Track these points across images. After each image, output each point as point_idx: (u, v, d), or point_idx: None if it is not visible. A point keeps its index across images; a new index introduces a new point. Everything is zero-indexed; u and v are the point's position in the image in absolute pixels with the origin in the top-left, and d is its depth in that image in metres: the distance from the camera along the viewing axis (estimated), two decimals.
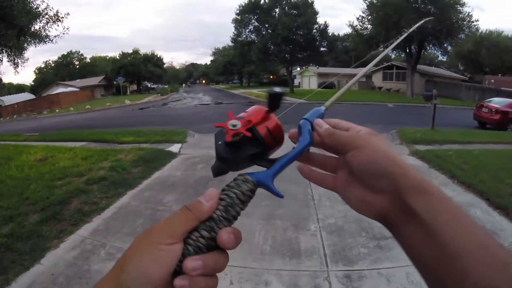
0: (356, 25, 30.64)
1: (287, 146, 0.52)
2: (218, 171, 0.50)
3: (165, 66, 67.40)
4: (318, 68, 42.41)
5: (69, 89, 44.61)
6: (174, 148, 8.25)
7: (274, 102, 0.50)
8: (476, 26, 27.65)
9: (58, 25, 13.07)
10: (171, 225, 0.40)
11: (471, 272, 0.33)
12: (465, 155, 7.17)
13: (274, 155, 0.52)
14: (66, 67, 62.55)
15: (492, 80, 35.77)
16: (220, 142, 0.49)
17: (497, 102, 15.05)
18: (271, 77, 65.26)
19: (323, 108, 0.54)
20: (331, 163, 0.51)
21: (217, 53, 79.36)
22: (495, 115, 14.12)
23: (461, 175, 5.74)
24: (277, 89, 0.50)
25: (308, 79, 51.77)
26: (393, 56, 42.50)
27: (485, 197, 4.81)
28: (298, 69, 49.17)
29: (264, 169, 0.49)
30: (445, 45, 29.31)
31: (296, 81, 52.74)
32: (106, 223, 4.20)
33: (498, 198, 4.66)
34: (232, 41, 36.39)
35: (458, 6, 25.75)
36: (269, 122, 0.50)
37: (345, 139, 0.46)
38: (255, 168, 0.49)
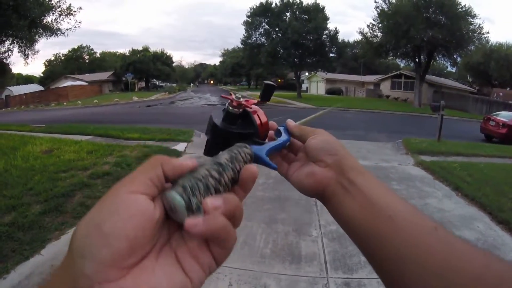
0: (366, 32, 30.60)
1: None
2: (209, 146, 0.55)
3: (174, 64, 67.66)
4: (326, 73, 42.38)
5: (78, 82, 44.90)
6: (180, 147, 8.25)
7: (266, 93, 0.60)
8: (486, 38, 27.52)
9: (70, 19, 13.19)
10: (145, 174, 0.33)
11: (405, 229, 0.40)
12: (470, 167, 7.13)
13: None
14: (75, 61, 62.93)
15: (501, 93, 35.49)
16: (217, 115, 0.55)
17: (504, 115, 14.95)
18: (279, 80, 65.30)
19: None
20: (288, 158, 0.59)
21: (226, 54, 79.64)
22: (502, 128, 14.02)
23: (465, 187, 5.71)
24: (271, 82, 0.59)
25: (316, 84, 51.83)
26: (402, 65, 42.36)
27: (488, 211, 4.78)
28: (307, 74, 49.20)
29: None
30: (454, 56, 29.17)
31: (304, 86, 52.74)
32: None
33: (501, 213, 4.63)
34: (241, 43, 36.47)
35: (469, 17, 25.64)
36: (262, 116, 0.56)
37: (310, 130, 0.57)
38: None
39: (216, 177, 0.36)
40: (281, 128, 0.60)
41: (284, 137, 0.58)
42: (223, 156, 0.41)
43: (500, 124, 14.14)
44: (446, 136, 10.72)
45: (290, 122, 0.60)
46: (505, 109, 21.12)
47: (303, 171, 0.53)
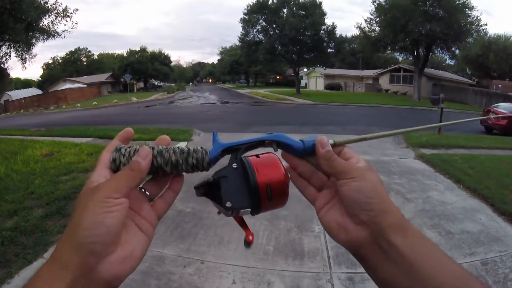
0: (364, 27, 30.53)
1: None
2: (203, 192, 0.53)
3: (172, 64, 67.59)
4: (325, 69, 42.35)
5: (76, 85, 44.89)
6: (180, 146, 8.26)
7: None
8: (484, 30, 27.44)
9: (66, 21, 13.16)
10: (117, 182, 0.44)
11: None
12: (471, 160, 7.12)
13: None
14: (73, 64, 62.90)
15: (500, 85, 35.42)
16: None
17: (504, 107, 14.96)
18: (278, 77, 65.28)
19: (331, 141, 0.52)
20: (317, 179, 0.54)
21: (224, 52, 79.55)
22: (502, 120, 14.01)
23: (466, 180, 5.70)
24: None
25: (314, 80, 51.76)
26: (400, 58, 42.30)
27: (490, 203, 4.78)
28: (305, 70, 49.15)
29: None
30: (453, 48, 29.10)
31: (303, 82, 52.71)
32: None
33: (503, 205, 4.62)
34: (239, 41, 36.44)
35: (467, 9, 25.55)
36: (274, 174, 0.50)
37: (342, 167, 0.47)
38: None
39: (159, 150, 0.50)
40: (308, 141, 0.51)
41: (298, 143, 0.51)
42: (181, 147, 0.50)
43: (500, 116, 14.12)
44: (446, 129, 10.72)
45: (320, 147, 0.50)
46: (504, 100, 21.09)
47: (333, 218, 0.48)
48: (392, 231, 0.42)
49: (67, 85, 44.46)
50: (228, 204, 0.47)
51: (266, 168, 0.49)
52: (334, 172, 0.48)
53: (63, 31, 13.34)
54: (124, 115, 19.30)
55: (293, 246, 3.48)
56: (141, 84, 61.02)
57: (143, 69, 53.86)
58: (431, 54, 31.00)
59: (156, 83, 63.80)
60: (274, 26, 32.93)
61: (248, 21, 34.02)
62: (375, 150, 8.15)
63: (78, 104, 32.21)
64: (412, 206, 4.63)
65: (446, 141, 9.01)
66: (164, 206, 0.50)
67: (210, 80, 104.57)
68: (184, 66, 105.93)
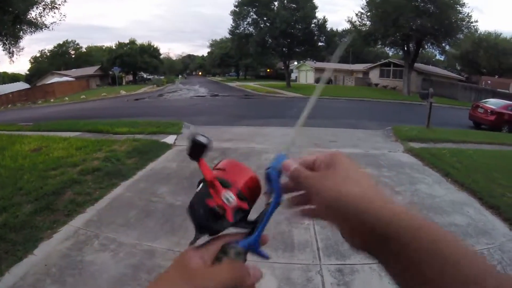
0: (355, 21, 30.54)
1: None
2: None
3: (161, 57, 66.97)
4: (315, 63, 42.37)
5: (64, 78, 44.22)
6: (169, 139, 8.23)
7: (196, 151, 0.47)
8: (475, 27, 27.66)
9: (54, 12, 12.94)
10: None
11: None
12: (459, 154, 7.23)
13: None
14: (61, 57, 61.88)
15: (489, 81, 35.94)
16: (201, 211, 0.46)
17: (493, 103, 15.15)
18: (268, 70, 65.04)
19: (284, 153, 0.50)
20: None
21: (214, 45, 78.86)
22: (490, 116, 14.21)
23: (454, 173, 5.79)
24: (202, 139, 0.47)
25: (305, 73, 51.77)
26: (390, 53, 42.54)
27: (478, 196, 4.86)
28: (296, 63, 49.13)
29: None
30: (443, 44, 29.31)
31: (293, 76, 52.70)
32: (99, 214, 4.19)
33: (491, 198, 4.71)
34: (229, 33, 36.19)
35: (458, 6, 25.69)
36: (249, 179, 0.50)
37: (305, 184, 0.46)
38: None
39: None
40: (271, 175, 0.48)
41: (276, 198, 0.48)
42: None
43: (489, 111, 14.33)
44: (435, 123, 10.84)
45: (286, 171, 0.47)
46: (493, 96, 21.36)
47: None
48: (382, 228, 0.39)
49: (55, 79, 43.77)
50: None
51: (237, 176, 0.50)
52: (304, 190, 0.47)
53: (51, 23, 13.17)
54: (113, 109, 19.09)
55: (283, 239, 3.50)
56: (130, 77, 60.43)
57: (132, 62, 53.22)
58: (421, 49, 31.19)
59: (145, 76, 63.21)
60: (265, 19, 32.79)
61: (238, 14, 33.79)
62: (364, 143, 8.22)
63: (66, 98, 31.78)
64: (401, 199, 4.69)
65: (434, 135, 9.12)
66: None
67: (200, 73, 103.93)
68: (174, 58, 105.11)
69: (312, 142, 7.98)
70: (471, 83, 36.58)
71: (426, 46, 31.05)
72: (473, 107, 15.67)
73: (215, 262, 0.43)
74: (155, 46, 60.86)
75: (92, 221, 4.00)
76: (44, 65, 58.86)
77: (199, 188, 0.48)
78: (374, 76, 41.22)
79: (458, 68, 53.61)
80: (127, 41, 57.51)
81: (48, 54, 62.51)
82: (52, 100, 32.60)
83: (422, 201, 4.69)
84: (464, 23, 26.39)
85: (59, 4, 13.02)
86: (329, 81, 44.90)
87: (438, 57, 53.93)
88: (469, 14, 26.06)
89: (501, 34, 44.47)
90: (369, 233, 0.39)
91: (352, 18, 30.75)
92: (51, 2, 12.75)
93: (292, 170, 0.47)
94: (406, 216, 0.38)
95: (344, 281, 2.89)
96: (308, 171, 0.46)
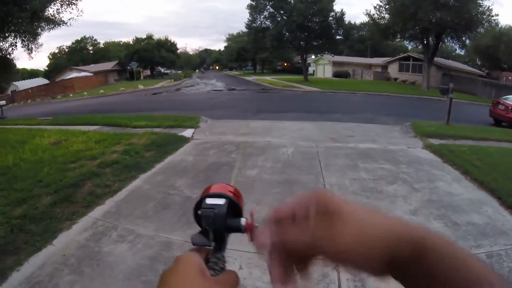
0: (373, 14, 30.04)
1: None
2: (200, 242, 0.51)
3: (178, 51, 67.29)
4: (333, 56, 41.89)
5: (83, 74, 44.90)
6: (187, 133, 8.30)
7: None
8: (495, 21, 26.92)
9: (72, 8, 13.08)
10: None
11: None
12: (479, 151, 7.06)
13: None
14: (79, 52, 62.66)
15: (510, 77, 34.92)
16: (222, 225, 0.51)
17: None
18: (285, 64, 64.59)
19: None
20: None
21: (231, 39, 78.78)
22: (511, 113, 13.81)
23: (474, 171, 5.66)
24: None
25: (322, 67, 51.28)
26: (410, 47, 41.76)
27: (497, 195, 4.74)
28: (313, 57, 48.67)
29: None
30: (463, 38, 28.62)
31: (311, 69, 52.30)
32: (118, 205, 4.26)
33: (510, 198, 4.59)
34: (246, 27, 35.95)
35: None
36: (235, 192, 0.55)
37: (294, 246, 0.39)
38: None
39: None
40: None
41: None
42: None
43: (510, 108, 13.92)
44: (454, 119, 10.61)
45: (260, 242, 0.43)
46: None
47: None
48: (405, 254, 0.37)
49: (74, 74, 44.45)
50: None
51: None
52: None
53: (69, 19, 13.30)
54: (131, 103, 19.34)
55: None
56: (148, 72, 60.94)
57: (150, 57, 53.59)
58: (440, 43, 30.50)
59: (162, 70, 63.69)
60: (282, 12, 32.46)
61: (255, 7, 33.57)
62: (382, 138, 8.12)
63: (85, 93, 32.30)
64: (419, 196, 4.61)
65: (454, 132, 8.93)
66: None
67: (217, 67, 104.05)
68: (191, 53, 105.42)
69: (329, 137, 7.92)
70: (492, 79, 35.63)
71: (445, 40, 30.35)
72: (493, 103, 15.24)
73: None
74: (172, 41, 61.19)
75: (111, 212, 4.07)
76: (62, 61, 59.71)
77: (222, 203, 0.52)
78: (393, 70, 40.54)
79: (479, 63, 52.34)
80: (144, 36, 58.04)
81: (66, 50, 63.33)
82: (71, 95, 33.19)
83: (441, 199, 4.60)
84: (484, 16, 25.67)
85: (76, 0, 13.16)
86: (347, 75, 44.43)
87: (458, 51, 52.74)
88: (490, 8, 25.32)
89: None
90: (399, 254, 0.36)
91: (370, 11, 30.27)
92: None
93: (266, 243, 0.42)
94: (431, 234, 0.37)
95: (360, 277, 2.85)
96: (295, 229, 0.39)
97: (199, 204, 0.51)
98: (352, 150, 6.84)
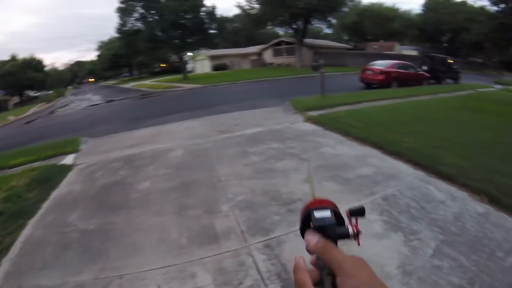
0: (244, 6, 30.99)
1: None
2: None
3: (47, 69, 60.55)
4: (209, 51, 42.12)
5: None
6: (68, 159, 7.44)
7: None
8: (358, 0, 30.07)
9: None
10: None
11: None
12: (356, 114, 7.89)
13: None
14: None
15: (375, 46, 39.53)
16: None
17: (380, 64, 16.76)
18: (163, 65, 62.65)
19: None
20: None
21: (102, 46, 73.44)
22: (380, 75, 15.63)
23: (354, 131, 6.30)
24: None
25: (201, 63, 51.29)
26: (281, 33, 44.10)
27: (378, 146, 5.38)
28: (190, 54, 48.33)
29: None
30: (329, 19, 31.22)
31: (190, 66, 52.00)
32: (15, 262, 3.60)
33: (391, 146, 5.24)
34: (117, 32, 33.97)
35: None
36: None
37: (336, 262, 0.49)
38: None
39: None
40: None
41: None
42: None
43: (378, 71, 15.76)
44: (330, 90, 11.56)
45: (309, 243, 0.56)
46: (381, 59, 23.42)
47: None
48: None
49: None
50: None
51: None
52: (328, 264, 0.51)
53: None
54: (2, 140, 16.81)
55: (206, 232, 3.45)
56: (17, 99, 53.65)
57: (16, 81, 47.25)
58: (309, 25, 32.90)
59: (31, 94, 56.75)
60: (153, 12, 31.49)
61: (124, 10, 31.94)
62: (267, 121, 8.43)
63: None
64: (308, 164, 4.94)
65: (330, 101, 9.76)
66: None
67: (92, 79, 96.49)
68: (61, 68, 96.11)
69: (216, 130, 7.97)
70: (359, 50, 39.85)
71: (313, 22, 32.82)
72: (362, 70, 17.06)
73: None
74: (38, 59, 54.67)
75: (10, 273, 3.41)
76: None
77: (329, 215, 0.58)
78: (268, 56, 42.53)
79: (346, 38, 58.14)
80: (7, 58, 50.78)
81: None
82: None
83: (328, 162, 4.99)
84: None
85: None
86: (225, 67, 45.21)
87: (325, 31, 57.47)
88: None
89: (383, 3, 51.48)
90: None
91: (240, 3, 31.17)
92: None
93: (316, 242, 0.55)
94: None
95: (274, 254, 2.94)
96: None
97: (307, 218, 0.59)
98: (240, 138, 6.94)
